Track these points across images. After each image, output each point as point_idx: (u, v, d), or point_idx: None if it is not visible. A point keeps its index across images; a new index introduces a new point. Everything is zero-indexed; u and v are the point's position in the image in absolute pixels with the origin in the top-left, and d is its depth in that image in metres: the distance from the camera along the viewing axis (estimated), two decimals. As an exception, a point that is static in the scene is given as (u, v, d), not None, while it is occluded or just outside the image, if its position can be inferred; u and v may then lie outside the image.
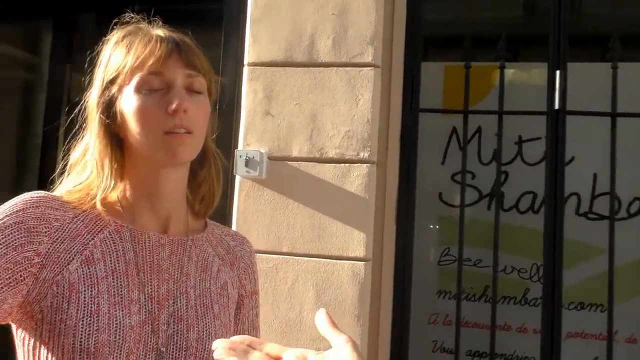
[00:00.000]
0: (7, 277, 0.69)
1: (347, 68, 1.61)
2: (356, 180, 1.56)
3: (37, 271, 0.72)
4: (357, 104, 1.59)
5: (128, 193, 0.83)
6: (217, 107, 1.00)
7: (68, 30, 2.32)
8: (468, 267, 1.93)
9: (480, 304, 2.03)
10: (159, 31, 0.83)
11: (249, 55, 1.70)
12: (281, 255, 1.59)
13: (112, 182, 0.80)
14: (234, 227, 1.64)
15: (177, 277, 0.82)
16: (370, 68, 1.59)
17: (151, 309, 0.77)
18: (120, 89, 0.80)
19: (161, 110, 0.77)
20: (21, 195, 0.77)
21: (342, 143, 1.58)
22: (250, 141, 1.66)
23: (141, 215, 0.82)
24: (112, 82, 0.81)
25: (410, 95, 1.62)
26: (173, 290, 0.80)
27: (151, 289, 0.78)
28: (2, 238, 0.70)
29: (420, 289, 1.79)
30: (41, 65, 2.39)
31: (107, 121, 0.81)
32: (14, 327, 0.75)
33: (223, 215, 1.72)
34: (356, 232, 1.54)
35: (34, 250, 0.72)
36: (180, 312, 0.79)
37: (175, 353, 0.77)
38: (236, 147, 1.70)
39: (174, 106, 0.77)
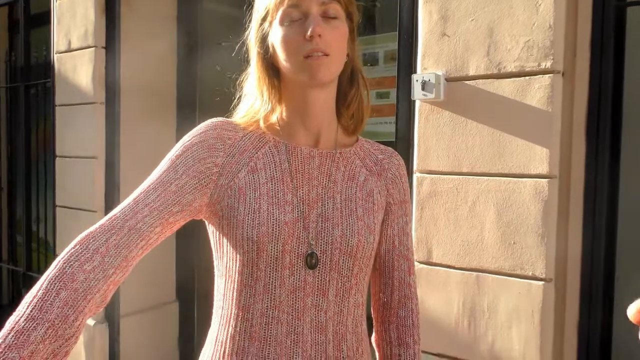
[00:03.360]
0: (195, 182, 0.89)
1: (525, -28, 1.48)
2: (537, 92, 1.46)
3: (216, 178, 0.90)
4: (538, 10, 1.46)
5: (284, 114, 0.97)
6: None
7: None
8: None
9: None
10: None
11: (423, -22, 1.69)
12: (461, 175, 1.60)
13: (270, 106, 0.95)
14: (415, 150, 1.71)
15: (325, 183, 0.94)
16: (553, -33, 1.44)
17: (302, 209, 0.91)
18: (270, 24, 0.92)
19: (300, 37, 0.88)
20: (205, 122, 0.96)
21: (522, 55, 1.49)
22: (427, 64, 1.68)
23: (295, 132, 0.96)
24: (263, 19, 0.94)
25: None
26: (321, 194, 0.93)
27: (303, 193, 0.92)
28: (190, 153, 0.91)
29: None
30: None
31: (264, 54, 0.94)
32: (207, 224, 0.97)
33: (406, 139, 1.80)
34: (538, 148, 1.46)
35: (213, 162, 0.91)
36: (327, 212, 0.92)
37: (323, 246, 0.90)
38: (415, 72, 1.73)
39: (309, 32, 0.86)
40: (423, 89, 1.63)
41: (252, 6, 0.98)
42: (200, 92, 2.94)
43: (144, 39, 2.83)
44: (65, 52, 2.92)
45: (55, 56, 2.98)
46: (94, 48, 2.77)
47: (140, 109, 2.83)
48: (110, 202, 2.72)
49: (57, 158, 3.01)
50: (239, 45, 1.01)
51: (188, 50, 2.94)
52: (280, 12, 0.90)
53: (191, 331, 2.95)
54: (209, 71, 2.83)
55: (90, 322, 2.80)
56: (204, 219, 0.96)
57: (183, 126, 2.76)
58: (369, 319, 1.05)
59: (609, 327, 1.53)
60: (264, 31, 0.94)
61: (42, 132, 3.26)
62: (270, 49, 0.93)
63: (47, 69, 3.12)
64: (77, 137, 2.88)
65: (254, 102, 0.97)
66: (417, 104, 1.70)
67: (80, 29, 2.83)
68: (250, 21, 0.98)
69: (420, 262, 1.68)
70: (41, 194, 3.31)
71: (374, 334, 1.08)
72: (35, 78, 3.29)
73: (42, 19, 3.20)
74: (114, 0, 2.74)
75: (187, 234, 2.79)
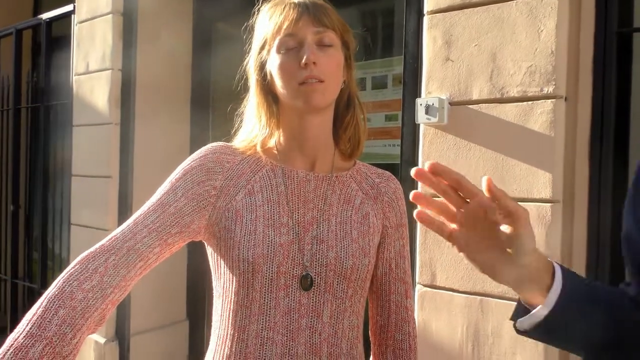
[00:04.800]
0: (194, 205, 0.92)
1: (527, -1, 1.51)
2: (540, 117, 1.47)
3: (215, 201, 0.93)
4: (540, 36, 1.48)
5: (282, 139, 0.99)
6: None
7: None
8: None
9: None
10: None
11: (428, 4, 1.72)
12: (465, 198, 1.61)
13: (268, 131, 0.98)
14: (419, 173, 1.71)
15: (320, 206, 0.96)
16: (554, -6, 1.46)
17: (298, 231, 0.93)
18: (268, 52, 0.96)
19: (295, 65, 0.91)
20: (205, 146, 0.99)
21: (524, 80, 1.50)
22: (431, 89, 1.70)
23: (292, 157, 0.98)
24: (262, 47, 0.97)
25: (604, 15, 1.43)
26: (317, 217, 0.95)
27: (298, 215, 0.94)
28: (190, 177, 0.93)
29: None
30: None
31: (263, 81, 0.98)
32: (206, 245, 0.99)
33: (411, 162, 1.81)
34: (541, 173, 1.46)
35: (212, 185, 0.93)
36: (322, 235, 0.93)
37: (317, 268, 0.92)
38: (420, 95, 1.75)
39: (304, 60, 0.89)
40: (427, 112, 1.65)
41: (252, 35, 1.02)
42: (214, 103, 3.00)
43: (159, 59, 2.90)
44: (84, 74, 3.01)
45: (74, 78, 3.07)
46: (110, 70, 2.85)
47: (155, 129, 2.89)
48: (123, 220, 2.75)
49: (73, 177, 3.08)
50: (240, 70, 1.04)
51: (203, 69, 3.01)
52: (277, 41, 0.93)
53: (201, 350, 2.97)
54: (224, 84, 2.89)
55: (101, 339, 2.83)
56: (202, 241, 0.98)
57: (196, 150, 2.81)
58: (368, 342, 1.06)
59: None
60: (262, 59, 0.97)
61: (61, 151, 3.34)
62: (268, 76, 0.97)
63: (66, 90, 3.22)
64: (92, 156, 2.95)
65: (252, 127, 1.00)
66: (421, 127, 1.72)
67: (99, 52, 2.92)
68: (250, 49, 1.01)
69: (424, 286, 1.68)
70: (57, 212, 3.38)
71: (371, 357, 1.08)
72: (55, 99, 3.39)
73: (63, 43, 3.30)
74: (131, 23, 2.83)
75: (197, 253, 2.82)
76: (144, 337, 2.90)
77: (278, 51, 0.93)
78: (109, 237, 0.87)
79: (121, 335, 2.85)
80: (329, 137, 1.01)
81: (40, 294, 3.30)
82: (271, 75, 0.96)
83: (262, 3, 1.00)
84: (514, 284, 0.67)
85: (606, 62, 1.45)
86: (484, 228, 0.65)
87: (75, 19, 3.10)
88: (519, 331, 0.71)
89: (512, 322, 0.72)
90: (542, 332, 0.67)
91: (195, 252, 2.83)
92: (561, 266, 0.68)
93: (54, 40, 3.41)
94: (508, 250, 0.65)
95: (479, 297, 1.57)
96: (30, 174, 3.69)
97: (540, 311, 0.66)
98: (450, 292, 1.62)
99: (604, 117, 1.44)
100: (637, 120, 1.53)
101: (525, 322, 0.68)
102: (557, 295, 0.65)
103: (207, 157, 0.95)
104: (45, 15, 3.34)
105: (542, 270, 0.66)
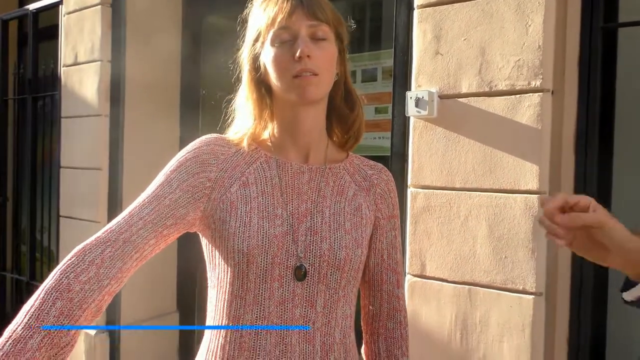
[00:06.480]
0: (188, 196, 0.93)
1: (515, -6, 1.53)
2: (527, 110, 1.50)
3: (209, 192, 0.94)
4: (527, 31, 1.50)
5: (275, 131, 1.00)
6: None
7: None
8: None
9: None
10: None
11: (418, -3, 1.74)
12: (454, 190, 1.64)
13: (262, 123, 0.99)
14: (409, 166, 1.74)
15: (314, 198, 0.97)
16: (542, -11, 1.48)
17: (292, 223, 0.94)
18: (262, 45, 0.97)
19: (290, 58, 0.92)
20: (199, 138, 1.00)
21: (512, 74, 1.53)
22: (421, 82, 1.72)
23: (286, 149, 0.99)
24: (255, 40, 0.98)
25: (590, 11, 1.46)
26: (311, 208, 0.96)
27: (292, 207, 0.95)
28: (184, 168, 0.94)
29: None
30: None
31: (256, 74, 0.99)
32: (200, 236, 1.00)
33: (401, 154, 1.83)
34: (528, 165, 1.49)
35: (206, 177, 0.94)
36: (316, 226, 0.95)
37: (311, 259, 0.93)
38: (410, 89, 1.77)
39: (298, 53, 0.90)
40: (417, 105, 1.67)
41: (245, 26, 1.02)
42: (204, 102, 3.00)
43: (149, 52, 2.89)
44: (72, 65, 2.98)
45: (63, 69, 3.05)
46: (99, 62, 2.83)
47: (144, 121, 2.88)
48: (113, 213, 2.77)
49: (61, 169, 3.06)
50: (231, 62, 1.05)
51: (193, 64, 3.00)
52: (271, 34, 0.94)
53: (191, 341, 2.98)
54: (214, 77, 2.89)
55: (91, 331, 2.83)
56: (197, 232, 0.99)
57: (186, 143, 2.81)
58: (359, 331, 1.08)
59: (599, 340, 1.55)
60: (255, 51, 0.98)
61: (49, 143, 3.32)
62: (262, 69, 0.97)
63: (54, 81, 3.19)
64: (82, 148, 2.93)
65: (246, 119, 1.01)
66: (411, 120, 1.74)
67: (87, 43, 2.89)
68: (243, 41, 1.02)
69: (414, 276, 1.71)
70: (46, 204, 3.36)
71: (363, 346, 1.10)
72: (42, 90, 3.36)
73: (50, 33, 3.27)
74: (120, 15, 2.81)
75: (188, 246, 2.83)
76: (135, 328, 2.91)
77: (272, 44, 0.94)
78: (105, 229, 0.88)
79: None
80: (323, 129, 1.02)
81: (28, 286, 3.30)
82: (265, 67, 0.97)
83: (255, -5, 1.01)
84: (621, 268, 0.83)
85: (592, 57, 1.48)
86: (582, 233, 0.82)
87: (63, 9, 3.07)
88: (625, 302, 0.86)
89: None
90: None
91: (186, 245, 2.83)
92: None
93: (40, 31, 3.38)
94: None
95: (467, 287, 1.60)
96: (17, 166, 3.66)
97: None
98: (440, 282, 1.65)
99: (589, 110, 1.47)
100: (622, 114, 1.56)
101: (631, 294, 0.83)
102: None
103: (201, 149, 0.96)
104: (32, 6, 3.31)
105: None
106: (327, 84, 0.96)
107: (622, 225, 0.80)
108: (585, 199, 0.80)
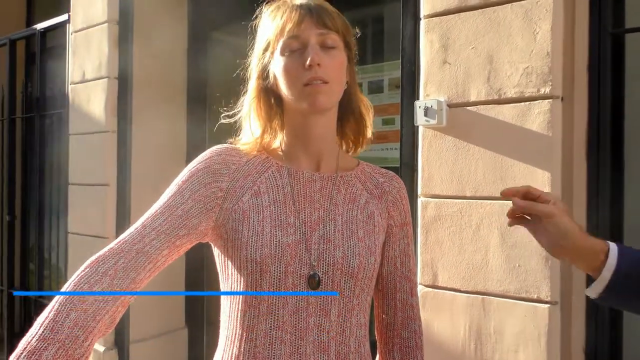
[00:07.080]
0: (201, 206, 0.93)
1: (522, 1, 1.53)
2: (537, 117, 1.49)
3: (221, 202, 0.94)
4: (535, 38, 1.50)
5: (286, 140, 1.00)
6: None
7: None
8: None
9: None
10: (298, 0, 0.97)
11: (424, 8, 1.75)
12: (465, 199, 1.63)
13: (272, 132, 0.99)
14: (419, 175, 1.73)
15: (326, 206, 0.97)
16: (549, -4, 1.48)
17: (304, 231, 0.93)
18: (271, 54, 0.97)
19: (300, 67, 0.92)
20: (210, 148, 1.00)
21: (521, 81, 1.53)
22: (429, 91, 1.72)
23: (297, 157, 0.99)
24: (265, 49, 0.98)
25: (598, 16, 1.46)
26: (323, 217, 0.96)
27: (305, 215, 0.95)
28: (196, 179, 0.94)
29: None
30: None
31: (265, 83, 0.99)
32: (213, 247, 1.00)
33: (411, 164, 1.83)
34: (540, 172, 1.48)
35: (218, 187, 0.94)
36: (329, 234, 0.94)
37: (324, 267, 0.92)
38: (418, 98, 1.77)
39: (308, 62, 0.90)
40: (425, 115, 1.67)
41: (254, 37, 1.03)
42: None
43: (157, 68, 2.91)
44: (80, 82, 3.01)
45: (70, 87, 3.07)
46: (107, 79, 2.85)
47: (152, 137, 2.89)
48: (121, 229, 2.76)
49: (70, 185, 3.07)
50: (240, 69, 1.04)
51: (201, 79, 3.02)
52: (280, 43, 0.94)
53: (200, 357, 2.95)
54: (220, 90, 2.90)
55: (100, 348, 2.81)
56: (210, 242, 0.99)
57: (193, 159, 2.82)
58: (373, 342, 1.06)
59: (616, 349, 1.52)
60: (265, 61, 0.98)
61: (57, 160, 3.33)
62: (271, 78, 0.98)
63: (61, 99, 3.21)
64: (89, 165, 2.94)
65: (256, 129, 1.01)
66: (421, 129, 1.74)
67: (95, 61, 2.92)
68: (252, 51, 1.02)
69: (426, 286, 1.69)
70: (54, 222, 3.37)
71: (377, 356, 1.09)
72: (50, 108, 3.38)
73: (58, 52, 3.31)
74: (127, 33, 2.84)
75: (196, 261, 2.82)
76: (143, 345, 2.88)
77: (282, 53, 0.94)
78: (118, 240, 0.87)
79: (120, 344, 2.84)
80: (333, 137, 1.02)
81: (36, 304, 3.28)
82: (274, 77, 0.97)
83: (264, 5, 1.01)
84: (574, 262, 0.92)
85: (601, 62, 1.47)
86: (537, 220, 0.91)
87: (70, 28, 3.10)
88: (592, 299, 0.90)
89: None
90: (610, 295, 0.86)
91: (194, 260, 2.82)
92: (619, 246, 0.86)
93: (48, 49, 3.41)
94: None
95: (480, 296, 1.58)
96: (25, 184, 3.68)
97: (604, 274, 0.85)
98: (452, 292, 1.63)
99: (600, 115, 1.47)
100: (632, 119, 1.55)
101: (593, 290, 0.87)
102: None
103: (212, 159, 0.96)
104: (40, 26, 3.34)
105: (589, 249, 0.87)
106: (338, 92, 0.96)
107: (576, 224, 0.88)
108: (547, 195, 0.90)
